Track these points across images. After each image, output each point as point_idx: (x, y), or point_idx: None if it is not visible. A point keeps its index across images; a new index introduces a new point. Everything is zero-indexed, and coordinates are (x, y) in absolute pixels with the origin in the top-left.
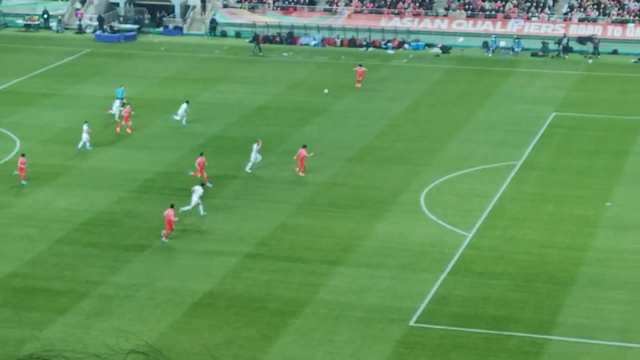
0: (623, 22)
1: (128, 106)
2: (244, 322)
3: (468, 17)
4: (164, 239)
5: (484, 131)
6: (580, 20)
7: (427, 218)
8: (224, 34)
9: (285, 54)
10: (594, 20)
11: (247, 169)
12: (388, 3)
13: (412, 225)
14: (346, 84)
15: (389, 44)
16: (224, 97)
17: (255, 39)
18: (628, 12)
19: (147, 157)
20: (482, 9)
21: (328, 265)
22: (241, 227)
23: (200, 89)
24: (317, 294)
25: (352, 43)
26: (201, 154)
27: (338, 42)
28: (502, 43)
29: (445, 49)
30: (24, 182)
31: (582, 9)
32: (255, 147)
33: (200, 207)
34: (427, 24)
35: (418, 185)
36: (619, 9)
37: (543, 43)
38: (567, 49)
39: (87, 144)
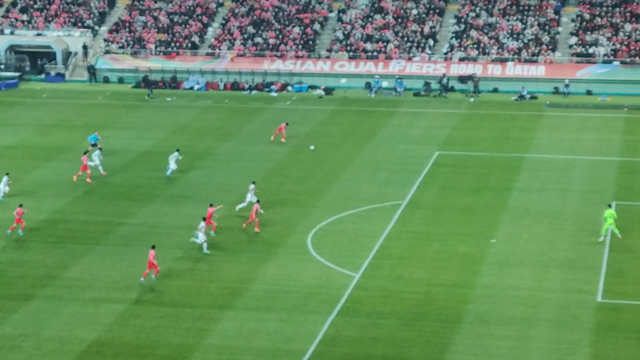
0: (502, 61)
1: (86, 155)
2: None
3: (350, 58)
4: (141, 279)
5: (368, 171)
6: (461, 59)
7: (315, 259)
8: (106, 80)
9: (169, 99)
10: (474, 60)
11: (237, 207)
12: (270, 46)
13: (300, 267)
14: (231, 126)
15: (272, 87)
16: (108, 142)
17: (149, 83)
18: (507, 51)
19: (31, 204)
20: (364, 50)
21: (216, 310)
22: (128, 273)
23: (84, 135)
24: (205, 338)
25: (236, 86)
26: (210, 205)
27: (221, 85)
28: (385, 83)
29: (328, 91)
30: (20, 232)
31: (462, 49)
32: (251, 188)
33: (205, 245)
34: (309, 65)
35: (304, 226)
36: (498, 48)
37: (425, 83)
38: (448, 88)
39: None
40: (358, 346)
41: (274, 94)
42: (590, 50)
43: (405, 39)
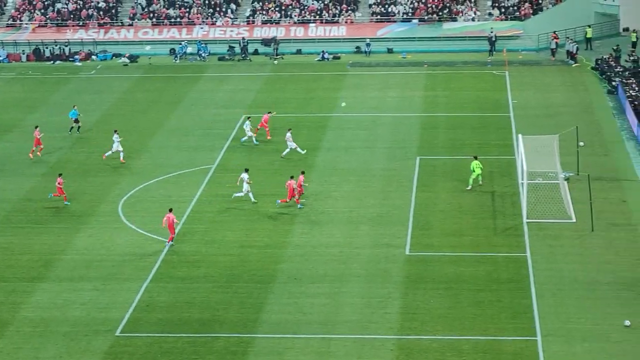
0: (305, 23)
1: (37, 129)
2: None
3: (154, 25)
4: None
5: (177, 137)
6: (264, 22)
7: (127, 227)
8: None
9: None
10: (277, 22)
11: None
12: (72, 15)
13: (112, 235)
14: (36, 98)
15: (76, 56)
16: None
17: None
18: (309, 13)
19: None
20: (167, 17)
21: (29, 282)
22: None
23: None
24: (19, 312)
25: (39, 57)
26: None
27: (24, 57)
28: (189, 49)
29: (133, 58)
30: (67, 202)
31: (264, 12)
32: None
33: (251, 194)
34: (113, 34)
35: (115, 195)
36: (300, 10)
37: (229, 47)
38: (250, 52)
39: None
40: (173, 311)
41: (78, 63)
42: (390, 10)
43: (207, 3)
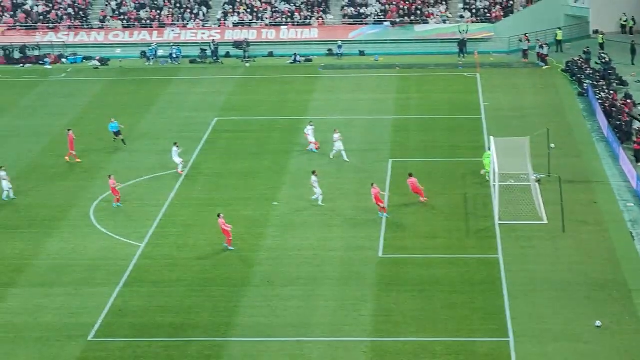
0: (276, 25)
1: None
2: None
3: (124, 27)
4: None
5: (149, 141)
6: (235, 25)
7: (99, 231)
8: None
9: None
10: (249, 25)
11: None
12: (42, 18)
13: (84, 240)
14: (5, 101)
15: (46, 59)
16: None
17: None
18: (281, 15)
19: None
20: (138, 19)
21: (0, 288)
22: None
23: None
24: None
25: (9, 60)
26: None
27: None
28: (161, 52)
29: (103, 61)
30: (119, 204)
31: (236, 14)
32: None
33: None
34: (83, 37)
35: (87, 199)
36: (272, 12)
37: (201, 49)
38: (219, 55)
39: (10, 192)
40: (146, 315)
41: (48, 66)
42: (361, 11)
43: (178, 5)
